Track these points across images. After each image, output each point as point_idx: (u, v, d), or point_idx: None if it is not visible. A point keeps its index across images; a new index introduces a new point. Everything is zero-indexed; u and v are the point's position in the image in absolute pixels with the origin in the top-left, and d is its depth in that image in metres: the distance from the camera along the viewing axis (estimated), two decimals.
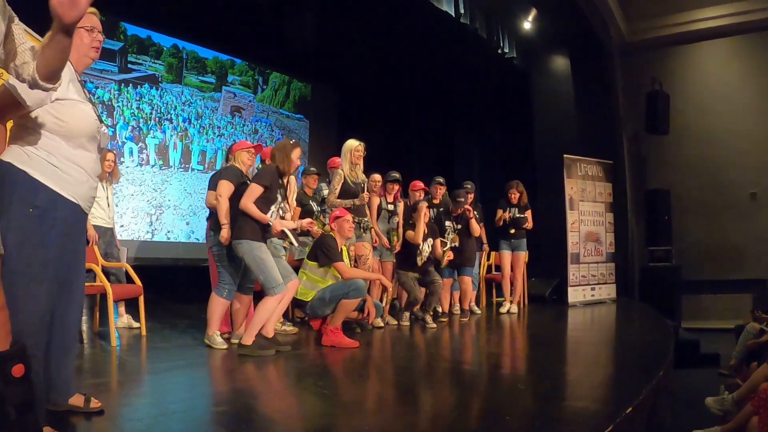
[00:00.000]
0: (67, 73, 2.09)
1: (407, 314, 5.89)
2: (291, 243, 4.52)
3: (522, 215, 7.03)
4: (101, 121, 2.34)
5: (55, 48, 1.86)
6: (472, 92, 11.95)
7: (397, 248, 5.98)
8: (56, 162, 2.13)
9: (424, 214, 5.85)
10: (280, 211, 4.34)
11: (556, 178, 8.51)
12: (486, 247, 7.71)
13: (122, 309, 5.29)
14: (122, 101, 8.33)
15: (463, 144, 13.02)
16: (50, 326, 2.23)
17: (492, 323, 6.45)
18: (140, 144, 8.55)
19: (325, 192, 5.84)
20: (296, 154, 4.31)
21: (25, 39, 1.93)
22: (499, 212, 7.08)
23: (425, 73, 11.22)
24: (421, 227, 5.79)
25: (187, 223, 9.10)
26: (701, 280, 9.79)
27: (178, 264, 8.77)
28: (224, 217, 4.28)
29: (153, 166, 8.73)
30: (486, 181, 11.03)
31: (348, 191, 5.39)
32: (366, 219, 5.56)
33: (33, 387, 1.97)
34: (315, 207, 5.85)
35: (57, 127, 2.14)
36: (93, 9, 2.32)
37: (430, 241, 5.96)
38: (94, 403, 2.45)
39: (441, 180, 6.72)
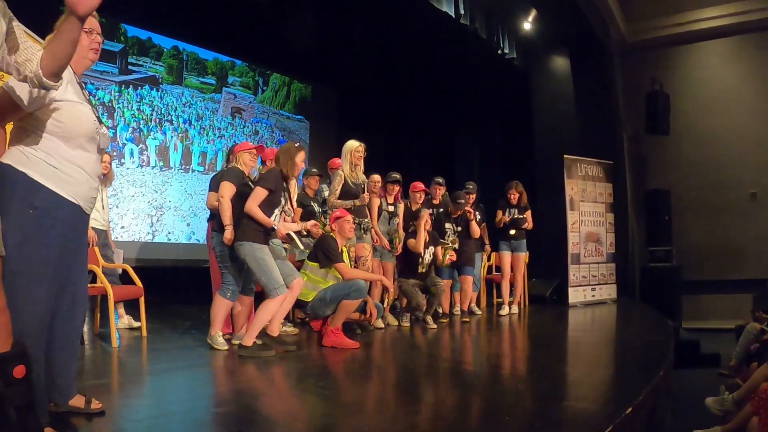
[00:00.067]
0: (66, 74, 2.10)
1: (408, 315, 5.90)
2: (296, 246, 4.54)
3: (522, 216, 7.02)
4: (100, 122, 2.34)
5: (63, 40, 1.88)
6: (472, 93, 11.96)
7: (399, 250, 5.98)
8: (55, 163, 2.14)
9: (426, 222, 5.86)
10: (284, 214, 4.35)
11: (557, 178, 8.52)
12: (488, 247, 7.71)
13: (122, 310, 5.30)
14: (123, 103, 8.33)
15: (463, 144, 13.03)
16: (53, 327, 2.24)
17: (492, 324, 6.45)
18: (141, 145, 8.56)
19: (327, 193, 5.84)
20: (300, 157, 4.33)
21: (26, 39, 1.94)
22: (499, 214, 7.06)
23: (425, 73, 11.23)
24: (422, 236, 5.80)
25: (188, 225, 9.10)
26: (701, 280, 9.79)
27: (179, 265, 8.76)
28: (227, 218, 4.28)
29: (153, 167, 8.73)
30: (486, 182, 11.03)
31: (348, 192, 5.39)
32: (366, 220, 5.56)
33: (34, 388, 1.98)
34: (316, 208, 5.85)
35: (55, 129, 2.15)
36: None
37: (431, 249, 5.97)
38: (95, 404, 2.46)
39: (440, 180, 6.72)
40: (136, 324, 5.20)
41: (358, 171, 5.53)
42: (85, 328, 4.87)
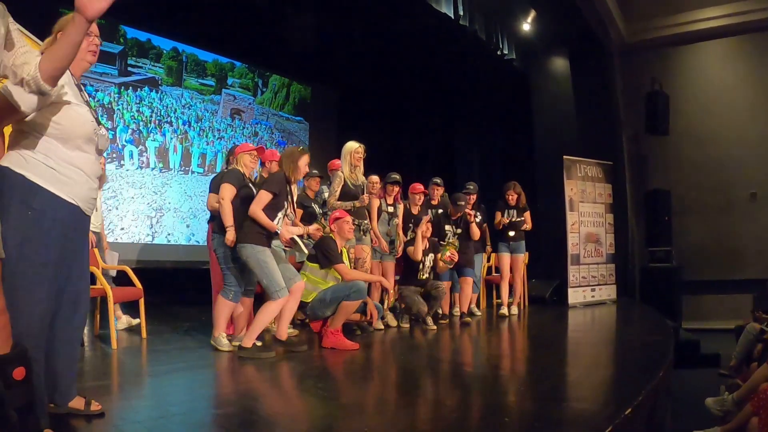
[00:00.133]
0: (64, 76, 2.11)
1: (407, 316, 5.90)
2: (300, 251, 4.55)
3: (520, 219, 7.00)
4: (99, 124, 2.34)
5: (66, 43, 1.89)
6: (472, 94, 11.97)
7: (399, 252, 5.98)
8: (53, 164, 2.15)
9: (426, 229, 5.87)
10: (286, 218, 4.36)
11: (556, 179, 8.52)
12: (489, 248, 7.71)
13: (119, 312, 5.29)
14: (122, 104, 8.34)
15: (463, 145, 13.03)
16: (54, 327, 2.24)
17: (492, 325, 6.45)
18: (140, 147, 8.56)
19: (327, 194, 5.84)
20: (304, 161, 4.34)
21: (24, 42, 1.95)
22: (497, 215, 7.05)
23: (425, 75, 11.23)
24: (420, 243, 5.81)
25: (188, 226, 9.10)
26: (701, 281, 9.80)
27: (179, 267, 8.76)
28: (228, 220, 4.29)
29: (153, 169, 8.73)
30: (486, 182, 11.03)
31: (348, 193, 5.40)
32: (366, 221, 5.56)
33: (34, 389, 1.98)
34: (317, 209, 5.85)
35: (53, 130, 2.16)
36: None
37: (431, 256, 5.98)
38: (95, 406, 2.46)
39: (438, 181, 6.70)
40: (135, 321, 5.21)
41: (357, 172, 5.53)
42: (85, 329, 4.88)
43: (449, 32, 8.70)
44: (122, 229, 8.23)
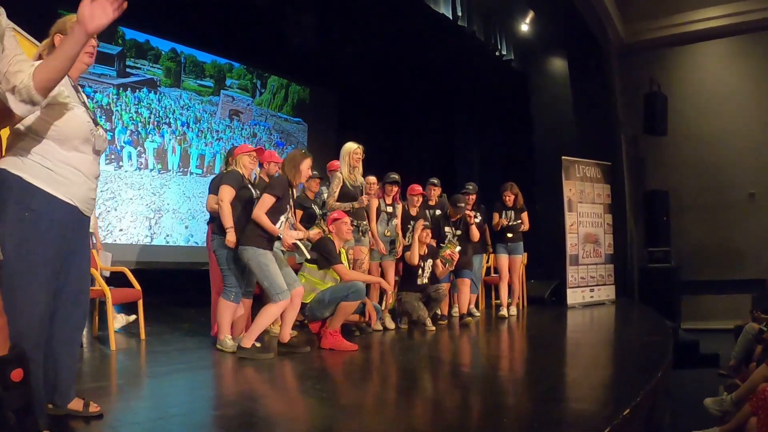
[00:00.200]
0: None
1: (406, 318, 5.89)
2: (303, 255, 4.56)
3: (517, 221, 6.98)
4: (96, 124, 2.34)
5: (63, 54, 1.91)
6: (470, 95, 11.98)
7: (399, 252, 5.98)
8: (50, 165, 2.15)
9: (426, 235, 5.87)
10: (287, 222, 4.37)
11: (555, 179, 8.52)
12: (490, 248, 7.69)
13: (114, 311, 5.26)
14: (121, 105, 8.34)
15: (462, 145, 13.04)
16: (53, 327, 2.24)
17: (491, 325, 6.45)
18: (139, 148, 8.56)
19: (326, 195, 5.84)
20: (306, 164, 4.34)
21: (19, 48, 1.95)
22: (495, 216, 7.03)
23: (424, 75, 11.24)
24: (416, 248, 5.81)
25: (186, 227, 9.10)
26: (700, 281, 9.81)
27: (177, 268, 8.76)
28: (228, 222, 4.29)
29: (152, 170, 8.73)
30: (486, 183, 11.03)
31: (347, 194, 5.40)
32: (364, 222, 5.56)
33: (32, 391, 1.98)
34: (317, 210, 5.85)
35: (50, 131, 2.16)
36: None
37: (430, 262, 5.97)
38: (93, 407, 2.46)
39: (435, 181, 6.68)
40: (131, 317, 5.20)
41: (356, 173, 5.52)
42: (84, 331, 4.87)
43: (448, 33, 8.71)
44: (121, 230, 8.23)
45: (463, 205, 6.37)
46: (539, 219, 8.73)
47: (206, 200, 4.84)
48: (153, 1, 7.87)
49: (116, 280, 5.23)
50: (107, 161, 8.02)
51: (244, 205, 4.41)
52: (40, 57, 2.32)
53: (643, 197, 10.40)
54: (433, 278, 6.04)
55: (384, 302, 5.79)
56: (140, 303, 4.75)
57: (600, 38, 9.83)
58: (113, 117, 8.23)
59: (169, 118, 9.01)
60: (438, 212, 6.59)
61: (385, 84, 11.41)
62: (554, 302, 8.59)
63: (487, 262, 7.81)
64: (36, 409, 2.03)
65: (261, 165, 5.07)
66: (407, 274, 5.96)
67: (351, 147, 5.49)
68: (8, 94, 1.91)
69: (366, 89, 11.52)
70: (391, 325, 5.78)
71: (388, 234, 5.95)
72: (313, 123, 11.56)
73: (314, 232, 4.73)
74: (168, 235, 8.86)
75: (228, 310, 4.35)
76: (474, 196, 6.85)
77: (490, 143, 12.51)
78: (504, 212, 7.01)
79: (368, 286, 5.36)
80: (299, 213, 5.59)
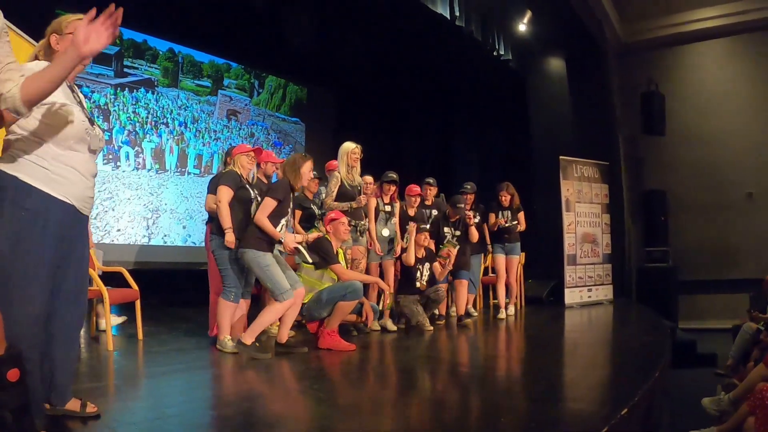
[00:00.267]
0: None
1: (404, 319, 5.89)
2: (304, 259, 4.57)
3: (514, 221, 6.97)
4: (92, 124, 2.34)
5: (53, 73, 1.93)
6: (469, 95, 11.97)
7: (397, 252, 5.97)
8: (46, 164, 2.14)
9: (424, 238, 5.87)
10: (288, 224, 4.38)
11: (553, 179, 8.53)
12: (489, 248, 7.68)
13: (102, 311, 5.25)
14: (118, 105, 8.32)
15: (461, 145, 13.02)
16: (50, 326, 2.24)
17: (489, 325, 6.45)
18: (136, 148, 8.54)
19: (324, 195, 5.83)
20: (307, 167, 4.36)
21: (12, 57, 1.95)
22: (492, 217, 7.01)
23: (422, 76, 11.23)
24: (412, 249, 5.81)
25: (184, 227, 9.08)
26: (698, 281, 9.82)
27: (175, 268, 8.75)
28: (226, 223, 4.29)
29: (149, 170, 8.72)
30: (485, 183, 11.03)
31: (345, 194, 5.39)
32: (362, 222, 5.56)
33: (28, 391, 1.98)
34: (316, 210, 5.84)
35: (45, 131, 2.15)
36: (81, 15, 2.33)
37: (428, 265, 5.97)
38: (91, 408, 2.45)
39: (431, 181, 6.64)
40: (120, 319, 5.21)
41: (354, 173, 5.52)
42: (81, 331, 4.87)
43: (445, 33, 8.70)
44: (118, 230, 8.21)
45: (462, 206, 6.35)
46: (537, 219, 8.73)
47: (204, 200, 4.84)
48: (151, 1, 7.86)
49: (113, 280, 5.22)
50: (105, 161, 8.01)
51: (242, 205, 4.41)
52: (36, 57, 2.32)
53: (641, 197, 10.42)
54: (432, 280, 6.04)
55: (381, 302, 5.78)
56: (138, 303, 4.75)
57: (598, 38, 9.84)
58: (111, 117, 8.21)
59: (167, 118, 8.99)
60: (435, 212, 6.58)
61: (383, 84, 11.40)
62: (552, 302, 8.60)
63: (485, 262, 7.80)
64: (33, 409, 2.03)
65: (259, 165, 5.07)
66: (405, 277, 5.95)
67: (349, 147, 5.49)
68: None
69: (364, 89, 11.52)
70: (392, 327, 5.74)
71: (386, 234, 5.94)
72: (310, 123, 11.55)
73: (313, 236, 4.73)
74: (166, 235, 8.85)
75: (228, 311, 4.35)
76: (472, 196, 6.85)
77: (488, 143, 12.48)
78: (500, 212, 7.00)
79: (367, 286, 5.37)
80: (298, 213, 5.58)
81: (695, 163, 10.16)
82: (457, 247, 6.17)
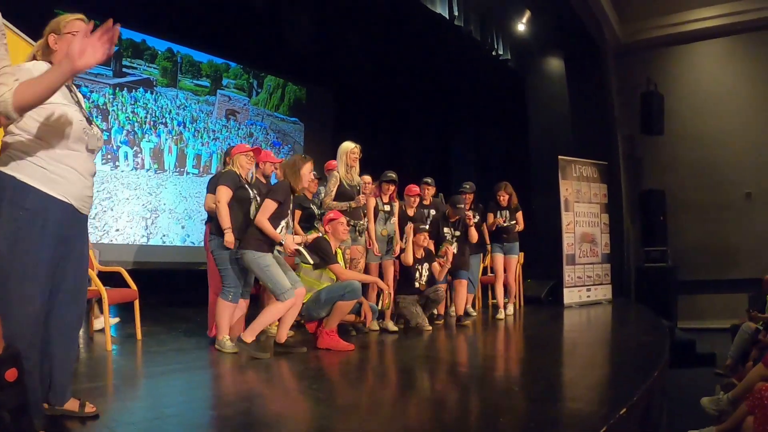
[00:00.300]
0: None
1: (403, 319, 5.89)
2: (305, 261, 4.57)
3: (512, 221, 6.96)
4: (90, 123, 2.34)
5: (45, 83, 1.93)
6: (467, 95, 11.96)
7: (396, 251, 5.97)
8: (44, 164, 2.15)
9: (423, 239, 5.88)
10: (288, 226, 4.38)
11: (552, 179, 8.53)
12: (489, 248, 7.68)
13: (97, 311, 5.24)
14: (117, 105, 8.32)
15: (459, 145, 13.04)
16: (49, 326, 2.24)
17: (488, 325, 6.45)
18: (135, 148, 8.54)
19: (323, 195, 5.83)
20: (307, 169, 4.37)
21: (8, 61, 1.95)
22: (490, 217, 6.99)
23: (420, 75, 11.23)
24: (410, 249, 5.81)
25: (183, 227, 9.08)
26: (697, 280, 9.82)
27: (174, 268, 8.74)
28: (226, 223, 4.29)
29: (148, 170, 8.71)
30: (484, 183, 11.04)
31: (344, 194, 5.39)
32: (361, 222, 5.55)
33: (27, 391, 1.98)
34: (316, 210, 5.84)
35: (42, 130, 2.16)
36: (79, 15, 2.34)
37: (427, 265, 5.97)
38: (89, 408, 2.45)
39: (429, 180, 6.62)
40: (114, 321, 5.21)
41: (353, 172, 5.52)
42: (80, 331, 4.86)
43: (444, 33, 8.70)
44: (117, 230, 8.21)
45: (462, 206, 6.34)
46: (536, 218, 8.74)
47: (204, 200, 4.84)
48: (150, 1, 7.87)
49: (112, 279, 5.22)
50: (103, 161, 8.00)
51: (241, 205, 4.41)
52: (34, 57, 2.32)
53: (639, 197, 10.41)
54: (431, 280, 6.04)
55: (380, 302, 5.78)
56: (136, 303, 4.75)
57: (597, 38, 9.84)
58: (109, 117, 8.20)
59: (166, 118, 8.99)
60: (433, 212, 6.58)
61: (382, 84, 11.40)
62: (551, 302, 8.59)
63: (484, 262, 7.80)
64: (32, 409, 2.03)
65: (257, 165, 5.07)
66: (404, 277, 5.95)
67: (348, 146, 5.48)
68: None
69: (363, 89, 11.52)
70: (393, 328, 5.71)
71: (385, 234, 5.94)
72: (309, 123, 11.55)
73: (312, 237, 4.73)
74: (164, 235, 8.84)
75: (227, 311, 4.35)
76: (471, 196, 6.85)
77: (487, 143, 12.50)
78: (499, 212, 6.99)
79: (366, 286, 5.36)
80: (298, 213, 5.58)
81: (694, 162, 10.17)
82: (454, 244, 6.17)
